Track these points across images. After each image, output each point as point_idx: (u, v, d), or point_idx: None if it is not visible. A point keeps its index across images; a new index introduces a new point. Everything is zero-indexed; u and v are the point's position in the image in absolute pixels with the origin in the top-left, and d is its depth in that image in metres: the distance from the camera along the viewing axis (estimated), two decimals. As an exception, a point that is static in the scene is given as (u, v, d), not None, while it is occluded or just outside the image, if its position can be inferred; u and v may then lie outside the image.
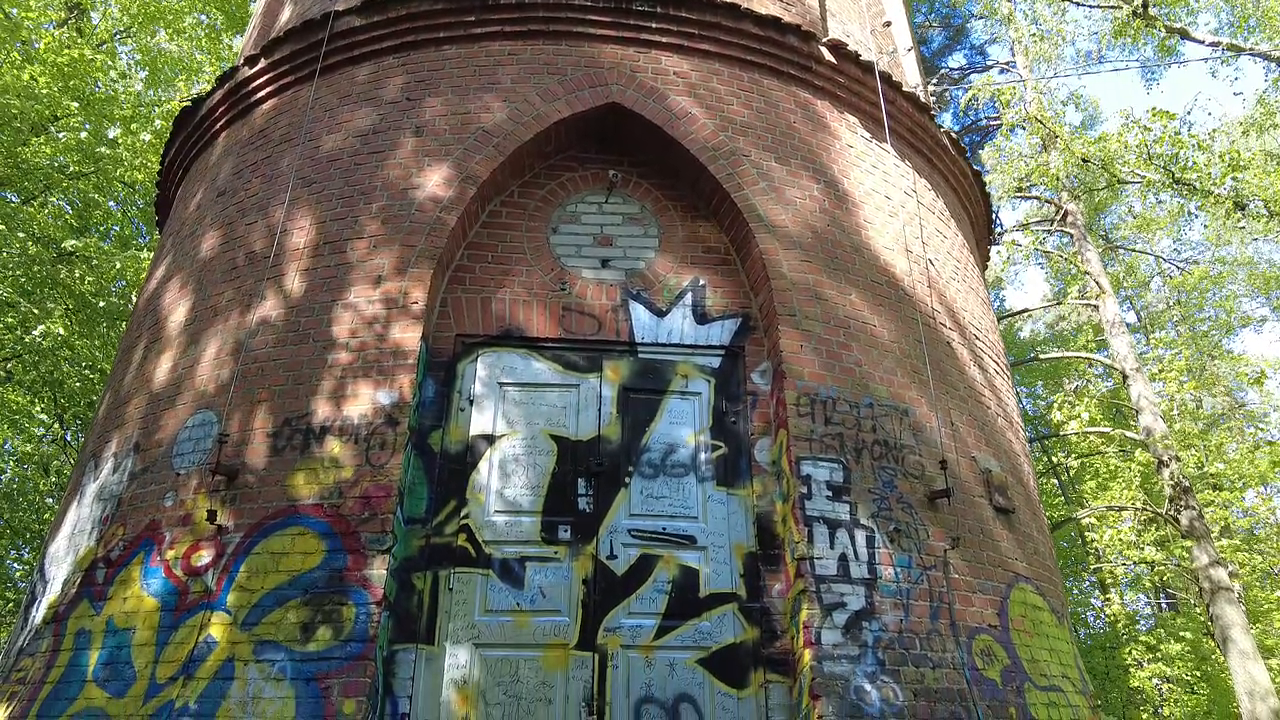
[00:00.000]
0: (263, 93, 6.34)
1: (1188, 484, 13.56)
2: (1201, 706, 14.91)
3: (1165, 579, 18.09)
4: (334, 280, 4.96)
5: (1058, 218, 16.67)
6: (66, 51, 11.03)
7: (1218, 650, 13.60)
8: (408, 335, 4.63)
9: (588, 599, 4.35)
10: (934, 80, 17.11)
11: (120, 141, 10.28)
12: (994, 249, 14.56)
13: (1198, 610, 14.98)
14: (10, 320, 10.23)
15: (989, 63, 17.73)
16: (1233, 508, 16.12)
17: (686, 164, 5.47)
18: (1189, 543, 13.13)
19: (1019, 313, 16.78)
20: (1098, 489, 17.14)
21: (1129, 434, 14.20)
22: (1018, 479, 5.83)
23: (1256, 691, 11.85)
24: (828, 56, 6.13)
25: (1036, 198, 15.07)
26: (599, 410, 4.84)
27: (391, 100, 5.65)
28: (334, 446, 4.39)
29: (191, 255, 5.82)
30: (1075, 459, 16.15)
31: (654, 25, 5.75)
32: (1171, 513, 13.59)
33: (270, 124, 6.11)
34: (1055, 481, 19.37)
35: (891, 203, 6.03)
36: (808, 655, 4.10)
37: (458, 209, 5.00)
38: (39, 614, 4.90)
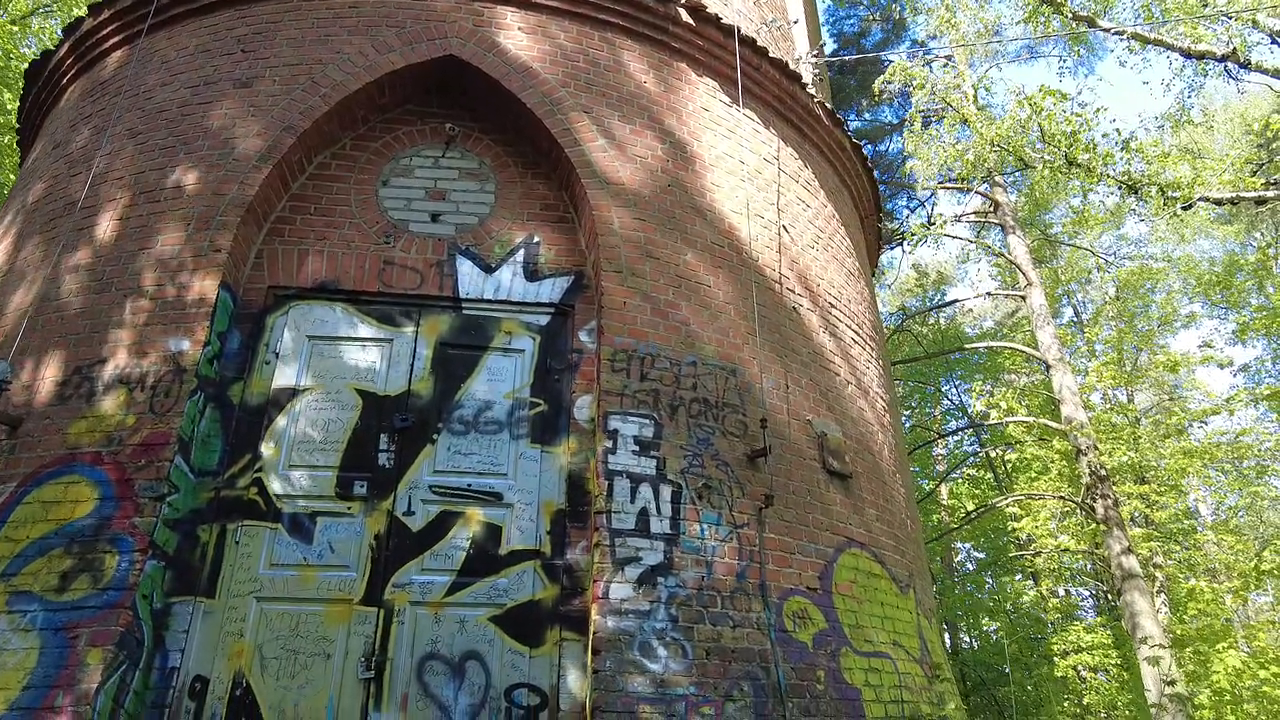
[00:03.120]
0: (109, 44, 6.15)
1: (1104, 473, 13.68)
2: (1116, 694, 15.06)
3: (1099, 569, 18.31)
4: (144, 229, 4.80)
5: (990, 210, 16.80)
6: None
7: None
8: (206, 283, 4.48)
9: (378, 555, 4.23)
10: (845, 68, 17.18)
11: (10, 108, 9.99)
12: (929, 240, 14.64)
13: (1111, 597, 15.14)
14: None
15: (930, 57, 17.80)
16: (1158, 501, 16.31)
17: (525, 119, 5.37)
18: (1103, 528, 13.26)
19: (949, 303, 16.84)
20: (1029, 482, 17.28)
21: (1050, 424, 14.30)
22: (864, 446, 5.79)
23: (1162, 677, 11.98)
24: (685, 18, 6.05)
25: (963, 188, 15.14)
26: (412, 365, 4.72)
27: (226, 52, 5.49)
28: (121, 395, 4.23)
29: (20, 210, 5.63)
30: (1000, 449, 16.25)
31: (499, -20, 5.64)
32: (1087, 501, 13.72)
33: (113, 76, 5.93)
34: (991, 475, 19.50)
35: (746, 167, 5.96)
36: (594, 610, 4.02)
37: (273, 158, 4.86)
38: None
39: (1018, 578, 19.28)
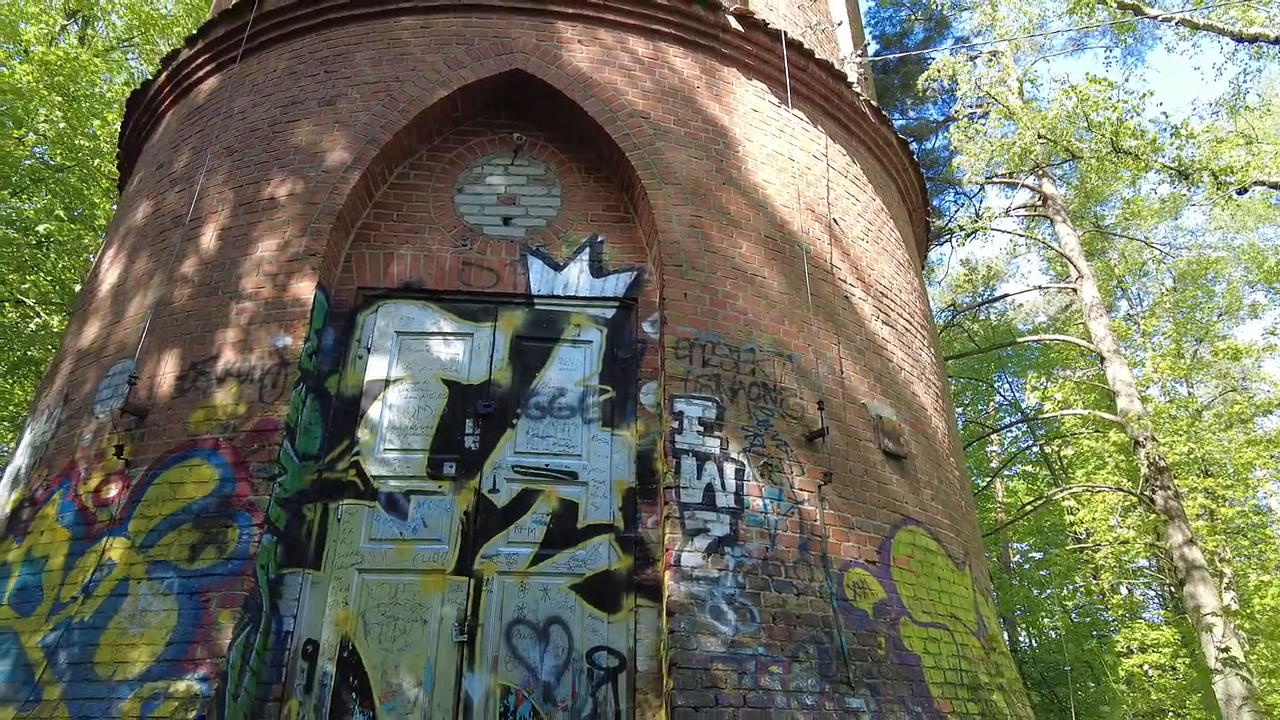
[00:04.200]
0: (202, 72, 6.69)
1: (1163, 464, 13.52)
2: (1184, 694, 14.79)
3: (1161, 565, 17.97)
4: (244, 238, 5.27)
5: (1039, 203, 16.71)
6: (59, 50, 11.55)
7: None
8: (303, 285, 4.92)
9: (467, 529, 4.60)
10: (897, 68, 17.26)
11: (99, 133, 10.75)
12: (977, 235, 14.66)
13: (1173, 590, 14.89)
14: None
15: (974, 53, 17.79)
16: (1225, 497, 15.99)
17: (587, 127, 5.72)
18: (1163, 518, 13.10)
19: (999, 298, 16.78)
20: (1086, 477, 17.08)
21: (1106, 416, 14.18)
22: (919, 429, 6.00)
23: (1229, 670, 11.80)
24: (734, 25, 6.36)
25: (1010, 182, 15.12)
26: (491, 357, 5.10)
27: (311, 74, 5.97)
28: (232, 386, 4.69)
29: (129, 227, 6.17)
30: (1056, 445, 16.12)
31: (560, -3, 6.02)
32: (1146, 493, 13.57)
33: (207, 101, 6.46)
34: (1047, 471, 19.30)
35: (796, 164, 6.23)
36: (668, 577, 4.32)
37: (359, 170, 5.29)
38: (-26, 554, 5.23)
39: (1079, 580, 19.03)
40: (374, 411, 4.90)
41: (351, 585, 4.44)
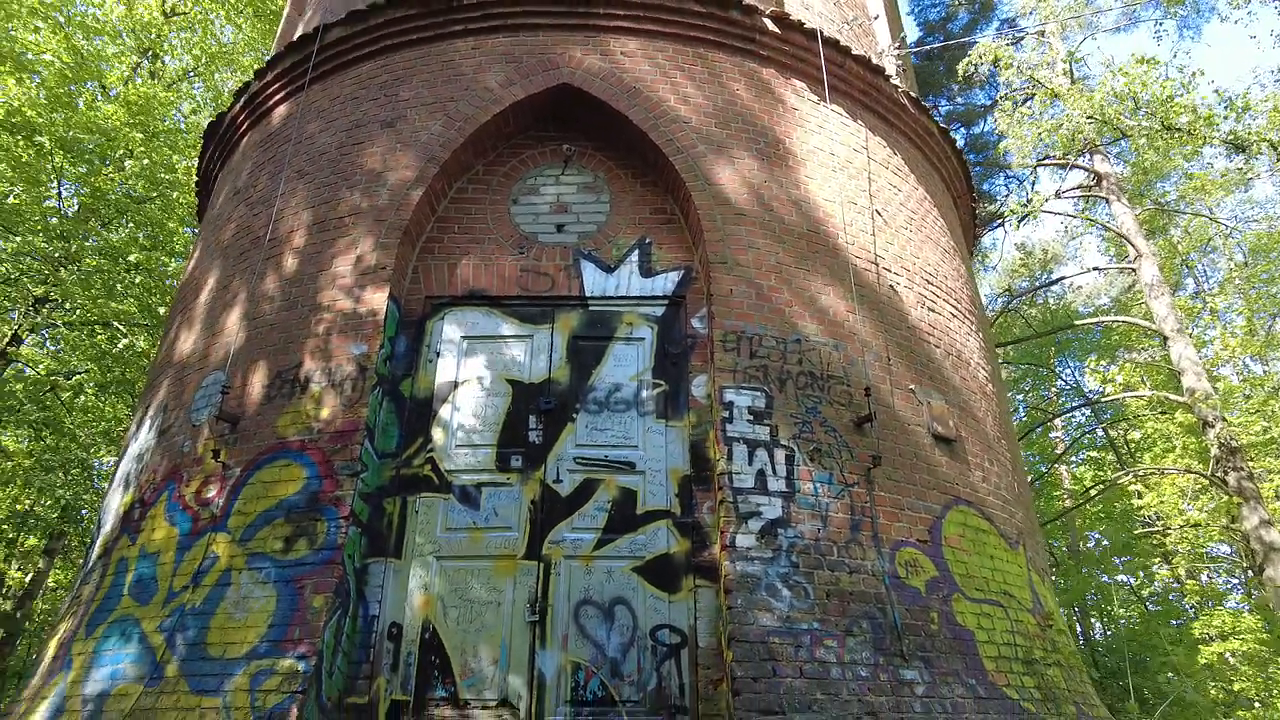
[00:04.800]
0: (273, 100, 7.18)
1: (1235, 444, 13.17)
2: (1268, 683, 14.31)
3: (1237, 551, 17.40)
4: (319, 255, 5.69)
5: (1093, 183, 16.39)
6: (138, 89, 12.37)
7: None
8: (376, 297, 5.30)
9: (535, 517, 4.91)
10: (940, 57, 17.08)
11: (175, 166, 11.48)
12: (1030, 218, 14.50)
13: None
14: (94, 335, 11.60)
15: (1020, 34, 17.54)
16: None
17: (632, 134, 6.00)
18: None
19: (1054, 282, 16.48)
20: (1154, 460, 16.67)
21: (1171, 396, 13.86)
22: (968, 413, 6.11)
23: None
24: (771, 28, 6.56)
25: (1061, 163, 14.88)
26: (550, 356, 5.41)
27: (372, 98, 6.38)
28: (315, 392, 5.09)
29: (213, 248, 6.67)
30: (1122, 428, 15.77)
31: (601, 11, 6.31)
32: (1218, 474, 13.23)
33: (279, 127, 6.94)
34: (1113, 455, 18.87)
35: (836, 159, 6.41)
36: (724, 557, 4.56)
37: (422, 187, 5.66)
38: (94, 552, 5.78)
39: (1151, 564, 18.54)
40: (445, 411, 5.25)
41: (430, 572, 4.79)
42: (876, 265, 6.10)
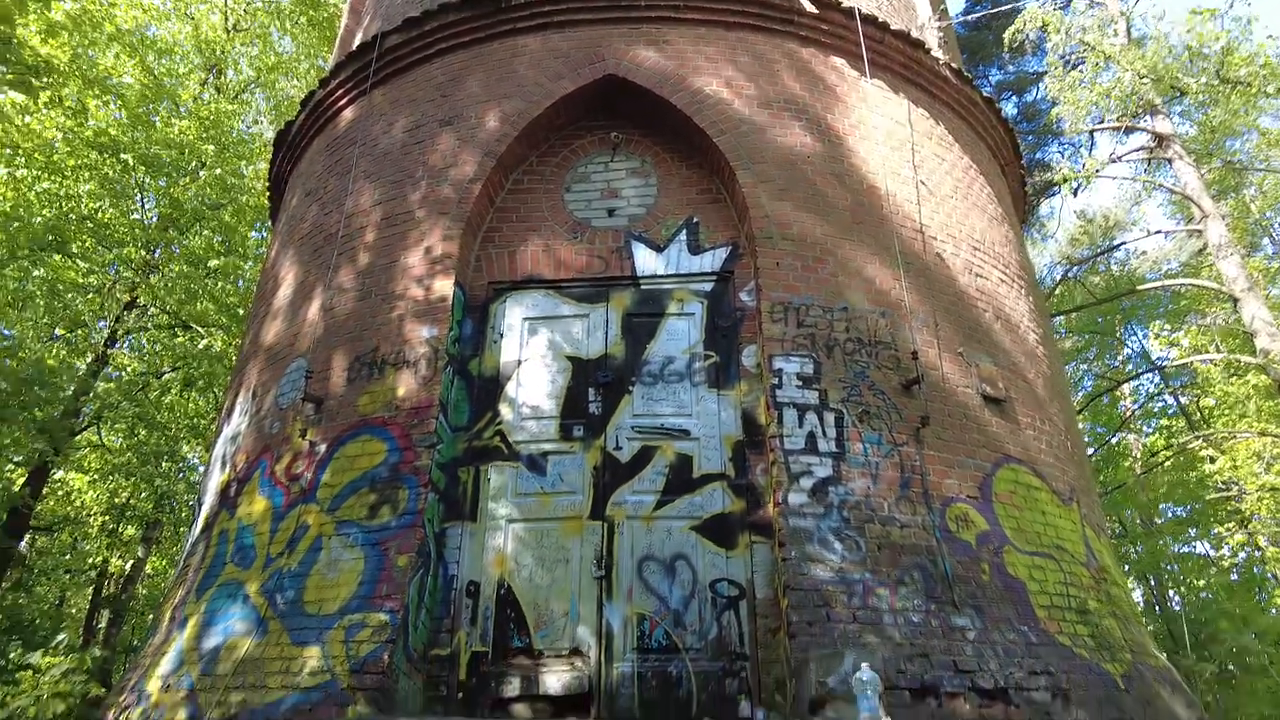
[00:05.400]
0: (337, 106, 7.63)
1: (1313, 406, 12.77)
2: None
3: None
4: (389, 248, 6.10)
5: (1154, 144, 15.95)
6: (209, 106, 13.13)
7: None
8: (444, 284, 5.69)
9: (598, 481, 5.24)
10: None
11: (244, 173, 12.16)
12: (1085, 184, 14.26)
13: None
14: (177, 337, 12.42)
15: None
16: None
17: (676, 119, 6.25)
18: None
19: (1115, 247, 16.10)
20: (1229, 425, 16.19)
21: (1243, 358, 13.49)
22: (1018, 374, 6.21)
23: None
24: (809, 8, 6.72)
25: (1117, 127, 14.53)
26: (606, 333, 5.72)
27: (430, 99, 6.76)
28: (391, 373, 5.50)
29: (289, 246, 7.17)
30: (1194, 394, 15.37)
31: (643, 4, 6.57)
32: (1295, 437, 12.85)
33: (345, 131, 7.39)
34: (1185, 423, 18.36)
35: (879, 132, 6.55)
36: (777, 513, 4.81)
37: (481, 180, 6.02)
38: (198, 526, 6.33)
39: (1224, 531, 18.01)
40: (510, 387, 5.61)
41: (503, 533, 5.16)
42: (922, 234, 6.23)
